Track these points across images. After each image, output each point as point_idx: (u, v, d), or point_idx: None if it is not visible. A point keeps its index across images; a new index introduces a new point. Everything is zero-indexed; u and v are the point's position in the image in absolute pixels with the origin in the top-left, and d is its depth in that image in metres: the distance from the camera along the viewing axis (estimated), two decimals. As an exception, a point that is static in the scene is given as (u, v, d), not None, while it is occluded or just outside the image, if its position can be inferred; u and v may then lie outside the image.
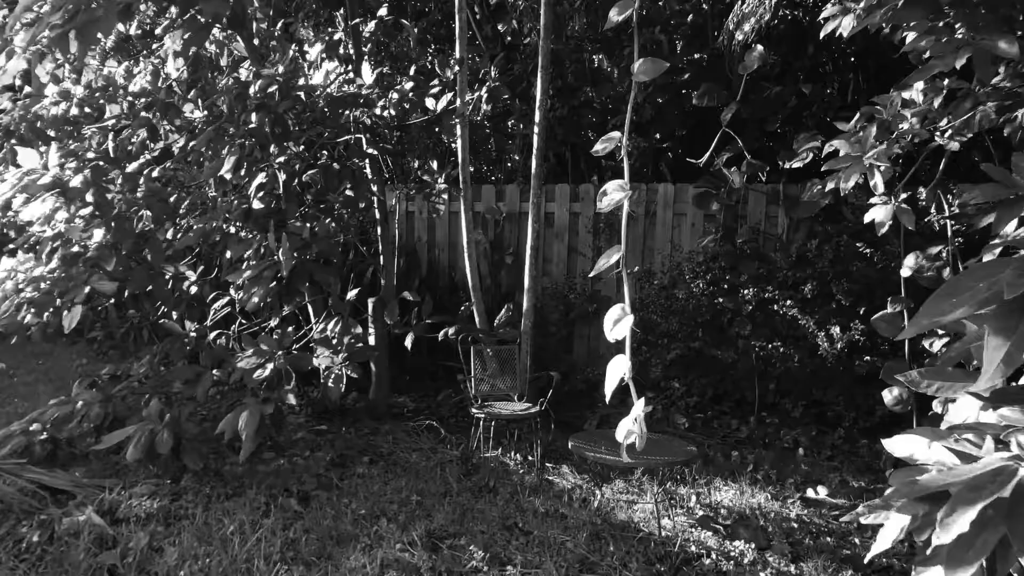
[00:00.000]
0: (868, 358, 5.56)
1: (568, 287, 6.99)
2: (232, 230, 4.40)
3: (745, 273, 6.07)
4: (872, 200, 3.51)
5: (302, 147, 4.84)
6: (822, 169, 3.43)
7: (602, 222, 6.89)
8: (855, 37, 6.47)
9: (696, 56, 7.65)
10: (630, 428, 2.06)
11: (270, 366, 4.58)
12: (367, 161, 5.40)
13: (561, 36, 7.40)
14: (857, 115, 3.49)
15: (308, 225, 4.37)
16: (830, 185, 3.47)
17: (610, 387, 2.22)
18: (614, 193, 2.52)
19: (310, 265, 4.17)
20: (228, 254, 4.40)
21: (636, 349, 6.56)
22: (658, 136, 7.62)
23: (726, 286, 6.19)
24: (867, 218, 3.45)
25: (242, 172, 4.25)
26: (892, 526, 1.76)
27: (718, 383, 6.36)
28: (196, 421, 5.18)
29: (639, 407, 2.14)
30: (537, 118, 5.90)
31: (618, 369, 2.21)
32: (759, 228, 6.38)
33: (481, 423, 5.01)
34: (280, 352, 4.62)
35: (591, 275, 2.63)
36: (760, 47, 5.60)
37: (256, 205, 4.34)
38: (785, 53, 6.46)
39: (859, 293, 5.65)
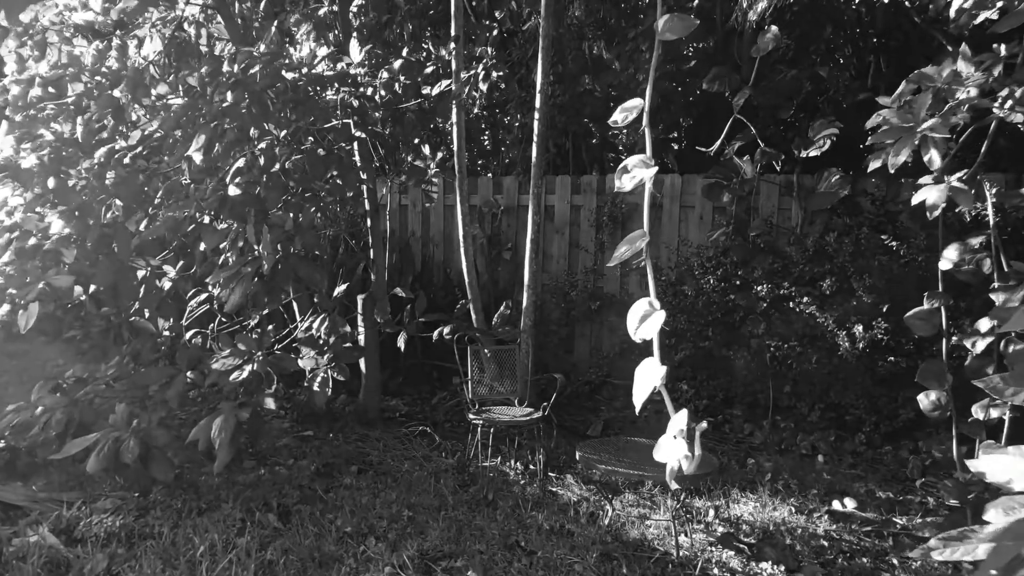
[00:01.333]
0: (892, 358, 5.14)
1: (569, 283, 6.56)
2: (207, 219, 3.95)
3: (759, 268, 5.65)
4: (922, 180, 3.08)
5: (285, 132, 4.40)
6: (867, 142, 3.00)
7: (605, 215, 6.46)
8: (877, 17, 6.10)
9: (701, 45, 7.24)
10: (674, 446, 1.63)
11: (248, 368, 4.13)
12: (356, 146, 4.96)
13: (562, 21, 6.97)
14: (903, 85, 3.06)
15: (292, 215, 3.92)
16: (875, 164, 3.04)
17: (640, 396, 1.80)
18: (637, 170, 2.10)
19: (294, 260, 3.73)
20: (203, 246, 3.95)
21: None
22: (662, 127, 7.20)
23: (738, 282, 5.76)
24: (916, 199, 3.02)
25: (214, 154, 3.80)
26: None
27: (729, 385, 5.94)
28: (168, 427, 4.73)
29: (681, 420, 1.71)
30: (538, 102, 5.47)
31: (650, 375, 1.79)
32: (771, 221, 5.96)
33: (479, 430, 4.57)
34: (260, 353, 4.18)
35: (610, 264, 2.16)
36: (775, 28, 5.18)
37: (233, 192, 3.89)
38: (800, 36, 6.04)
39: (881, 289, 5.24)
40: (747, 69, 6.27)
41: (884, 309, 5.21)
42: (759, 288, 5.59)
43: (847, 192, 5.54)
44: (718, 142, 5.73)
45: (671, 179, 6.35)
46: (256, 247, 3.53)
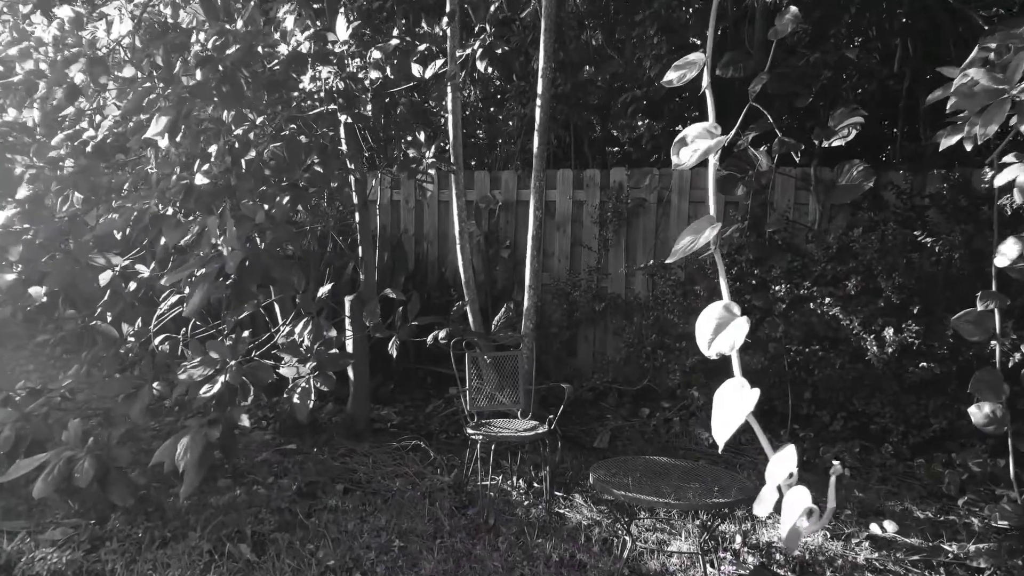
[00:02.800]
0: (923, 364, 4.67)
1: (572, 284, 6.08)
2: (171, 212, 3.45)
3: (776, 267, 5.18)
4: (1007, 159, 2.60)
5: (263, 118, 3.91)
6: (947, 110, 2.52)
7: (609, 211, 5.98)
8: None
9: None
10: (792, 500, 1.14)
11: (220, 379, 3.62)
12: (343, 134, 4.47)
13: (563, 5, 6.48)
14: (975, 51, 2.59)
15: (265, 207, 3.42)
16: (949, 141, 2.56)
17: (725, 431, 1.31)
18: (699, 140, 1.62)
19: (266, 258, 3.23)
20: (164, 240, 3.44)
21: (651, 353, 5.66)
22: (666, 120, 6.72)
23: (754, 282, 5.29)
24: (999, 181, 2.54)
25: (179, 139, 3.30)
26: None
27: (743, 391, 5.45)
28: (133, 444, 4.22)
29: (787, 461, 1.22)
30: (540, 87, 4.98)
31: (735, 402, 1.30)
32: (788, 216, 5.49)
33: (478, 446, 4.07)
34: (233, 361, 3.67)
35: (670, 261, 1.63)
36: (794, 8, 4.71)
37: (200, 181, 3.39)
38: (819, 19, 5.56)
39: (912, 289, 4.77)
40: (760, 55, 5.82)
41: (915, 310, 4.74)
42: (777, 288, 5.11)
43: (871, 185, 5.07)
44: (732, 132, 5.27)
45: (679, 172, 5.87)
46: (218, 242, 3.02)
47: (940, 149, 2.71)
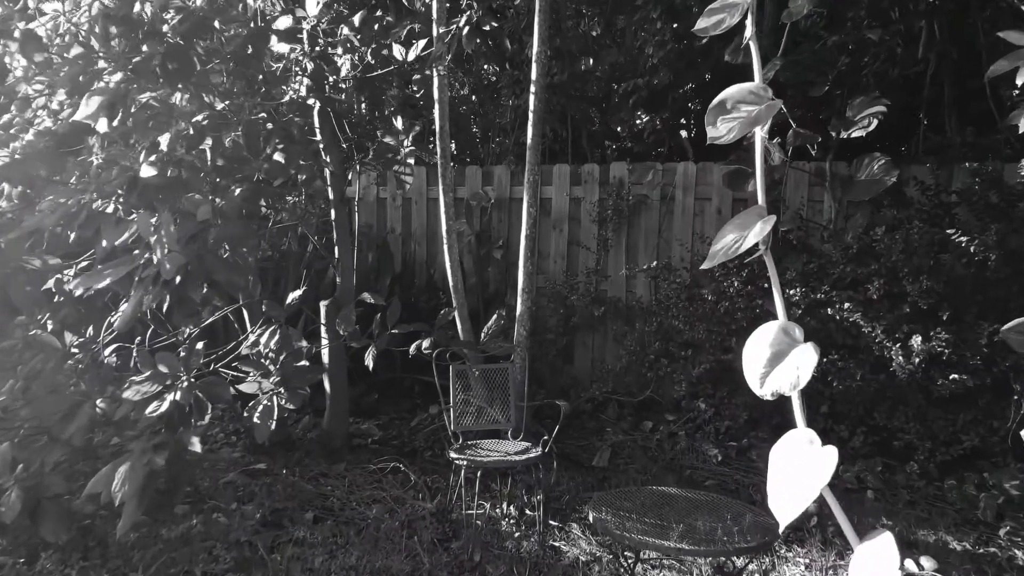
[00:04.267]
0: (954, 376, 4.21)
1: (569, 287, 5.60)
2: (112, 208, 2.98)
3: (791, 269, 4.71)
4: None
5: (224, 104, 3.43)
6: (1021, 84, 2.04)
7: (609, 208, 5.51)
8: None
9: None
10: None
11: (170, 397, 3.15)
12: (316, 119, 3.99)
13: (560, -10, 6.02)
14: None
15: (217, 201, 2.95)
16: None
17: (790, 508, 0.87)
18: (743, 106, 1.15)
19: (210, 259, 2.75)
20: (104, 242, 2.97)
21: (654, 362, 5.19)
22: (669, 113, 6.25)
23: (766, 285, 4.81)
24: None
25: (116, 122, 2.83)
26: None
27: (754, 403, 4.98)
28: (77, 469, 3.75)
29: (886, 552, 0.75)
30: (534, 74, 4.51)
31: (807, 469, 0.85)
32: (801, 214, 5.03)
33: (462, 471, 3.57)
34: (185, 376, 3.20)
35: (706, 266, 1.09)
36: (811, -13, 4.26)
37: (146, 172, 2.92)
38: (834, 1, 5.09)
39: (941, 293, 4.31)
40: (772, 39, 5.35)
41: (944, 317, 4.28)
42: (791, 292, 4.65)
43: (894, 180, 4.60)
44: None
45: (684, 167, 5.41)
46: (151, 242, 2.54)
47: (1021, 131, 2.23)
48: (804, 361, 0.94)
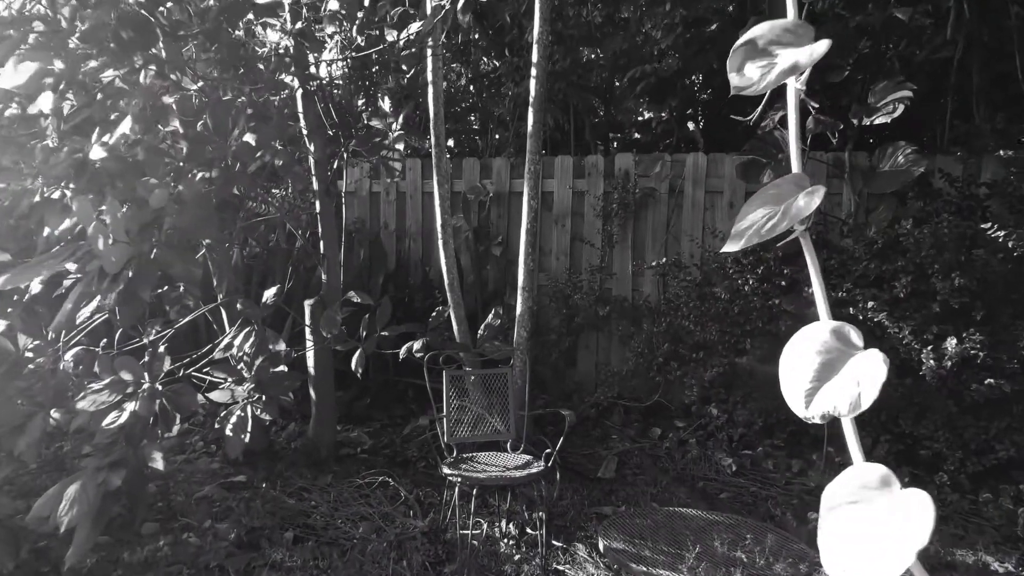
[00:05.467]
0: (990, 380, 3.85)
1: (572, 285, 5.25)
2: (58, 195, 2.62)
3: (810, 265, 4.34)
4: None
5: (197, 85, 3.07)
6: None
7: (614, 202, 5.15)
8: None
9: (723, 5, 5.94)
10: None
11: (129, 407, 2.80)
12: (299, 104, 3.64)
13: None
14: None
15: (174, 186, 2.59)
16: None
17: None
18: (778, 47, 0.79)
19: (163, 250, 2.39)
20: (47, 231, 2.62)
21: (663, 365, 4.83)
22: (677, 101, 5.88)
23: (783, 283, 4.46)
24: None
25: (53, 99, 2.47)
26: None
27: (769, 409, 4.62)
28: (30, 487, 3.40)
29: None
30: (535, 56, 4.15)
31: (882, 529, 0.52)
32: (820, 208, 4.66)
33: (457, 489, 3.20)
34: (146, 384, 2.85)
35: (729, 249, 0.68)
36: (832, -37, 3.92)
37: (97, 155, 2.57)
38: (855, -20, 4.73)
39: (974, 291, 3.95)
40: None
41: (977, 317, 3.92)
42: (810, 290, 4.28)
43: (922, 171, 4.25)
44: (758, 109, 4.44)
45: (694, 158, 5.05)
46: (89, 230, 2.19)
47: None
48: (868, 373, 0.66)
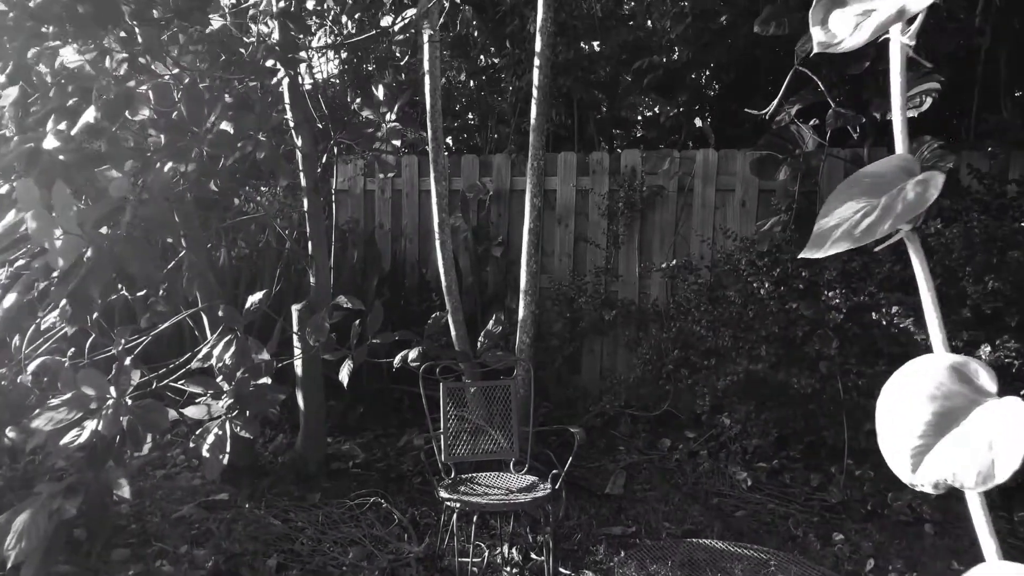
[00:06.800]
0: (1026, 391, 3.55)
1: (576, 288, 4.94)
2: (6, 188, 2.32)
3: (830, 267, 4.05)
4: None
5: (171, 73, 2.77)
6: None
7: (620, 201, 4.84)
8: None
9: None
10: None
11: (90, 424, 2.49)
12: (286, 94, 3.33)
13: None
14: None
15: (138, 180, 2.28)
16: None
17: None
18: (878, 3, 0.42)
19: (122, 245, 2.08)
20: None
21: (672, 372, 4.52)
22: (685, 97, 5.57)
23: (801, 286, 4.16)
24: None
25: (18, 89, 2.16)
26: None
27: (785, 419, 4.32)
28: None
29: None
30: (539, 46, 3.85)
31: None
32: (839, 206, 4.36)
33: (455, 515, 2.88)
34: (111, 400, 2.54)
35: (812, 255, 0.38)
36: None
37: (50, 144, 2.26)
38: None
39: (1008, 296, 3.65)
40: (802, 13, 4.68)
41: (1012, 323, 3.63)
42: (831, 294, 3.99)
43: (951, 166, 3.95)
44: (775, 102, 4.13)
45: (704, 155, 4.75)
46: (28, 221, 1.88)
47: None
48: (1007, 432, 0.45)
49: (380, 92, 3.07)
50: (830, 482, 4.03)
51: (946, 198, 4.01)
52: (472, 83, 6.09)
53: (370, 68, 3.56)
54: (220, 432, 2.73)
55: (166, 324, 3.32)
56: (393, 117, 3.10)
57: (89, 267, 1.94)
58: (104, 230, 2.39)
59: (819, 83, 3.95)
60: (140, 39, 2.78)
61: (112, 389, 2.61)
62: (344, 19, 3.42)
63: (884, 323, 3.91)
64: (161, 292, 3.41)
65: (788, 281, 4.19)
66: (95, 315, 3.04)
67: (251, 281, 4.86)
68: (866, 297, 3.95)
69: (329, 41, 3.54)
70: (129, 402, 2.64)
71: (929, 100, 3.87)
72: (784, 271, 4.19)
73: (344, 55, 4.44)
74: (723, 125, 5.32)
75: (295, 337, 3.72)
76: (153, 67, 2.80)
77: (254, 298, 3.17)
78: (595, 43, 5.93)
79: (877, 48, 4.02)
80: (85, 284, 1.93)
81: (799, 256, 0.68)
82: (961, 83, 4.42)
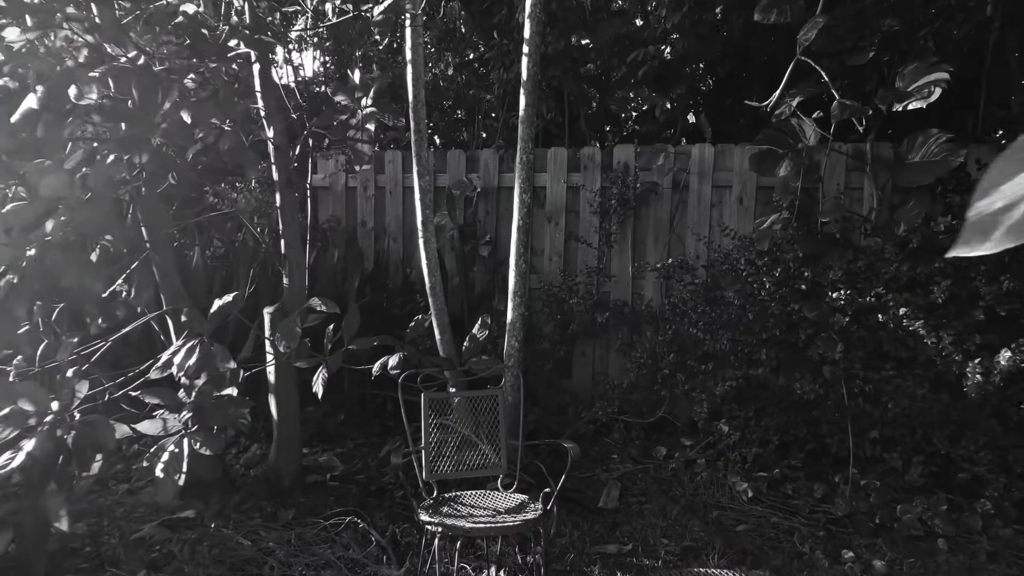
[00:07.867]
0: (1043, 398, 3.33)
1: (567, 289, 4.68)
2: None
3: (835, 267, 3.81)
4: None
5: (128, 56, 2.48)
6: None
7: (613, 198, 4.59)
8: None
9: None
10: None
11: (28, 445, 2.20)
12: (256, 81, 3.05)
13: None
14: None
15: (83, 171, 2.01)
16: None
17: None
18: None
19: (55, 254, 1.80)
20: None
21: (668, 377, 4.27)
22: (681, 91, 5.31)
23: (803, 286, 3.92)
24: None
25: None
26: None
27: (786, 426, 4.08)
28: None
29: None
30: (527, 33, 3.58)
31: None
32: (841, 202, 4.13)
33: (437, 540, 2.59)
34: (51, 416, 2.25)
35: (967, 252, 0.49)
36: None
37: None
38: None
39: (1024, 297, 3.43)
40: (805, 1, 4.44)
41: (1027, 326, 3.40)
42: (835, 295, 3.75)
43: (961, 161, 3.72)
44: (776, 93, 3.90)
45: (700, 150, 4.50)
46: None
47: None
48: None
49: (356, 76, 2.80)
50: (835, 493, 3.79)
51: (956, 194, 3.78)
52: (460, 78, 5.81)
53: (355, 58, 3.28)
54: (176, 449, 2.45)
55: (124, 331, 3.04)
56: (369, 102, 2.83)
57: (12, 284, 1.66)
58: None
59: (823, 74, 3.72)
60: (98, 19, 2.50)
61: (54, 404, 2.33)
62: (327, 5, 3.13)
63: (891, 325, 3.68)
64: (124, 296, 3.13)
65: (790, 281, 3.95)
66: (52, 317, 2.76)
67: (227, 282, 4.57)
68: (872, 298, 3.72)
69: (309, 29, 3.26)
70: (78, 416, 2.36)
71: (938, 91, 3.63)
72: (785, 271, 3.95)
73: (327, 44, 4.15)
74: (717, 120, 5.07)
75: (267, 342, 3.44)
76: (108, 48, 2.52)
77: (221, 301, 2.89)
78: (585, 37, 5.67)
79: (881, 39, 3.77)
80: (8, 302, 1.65)
81: (946, 256, 0.46)
82: (969, 76, 4.19)
